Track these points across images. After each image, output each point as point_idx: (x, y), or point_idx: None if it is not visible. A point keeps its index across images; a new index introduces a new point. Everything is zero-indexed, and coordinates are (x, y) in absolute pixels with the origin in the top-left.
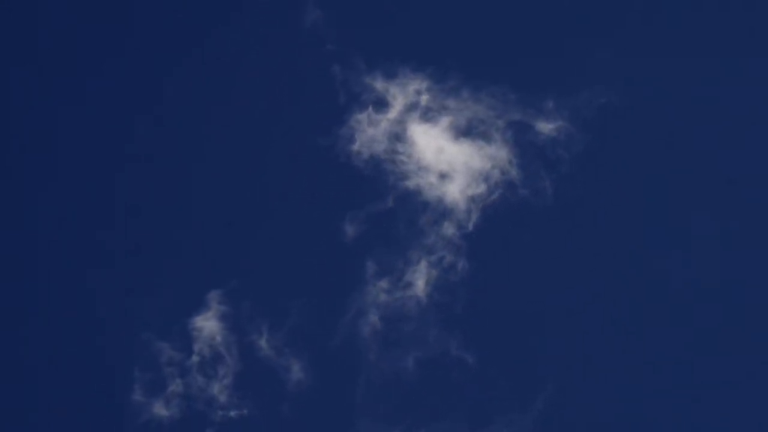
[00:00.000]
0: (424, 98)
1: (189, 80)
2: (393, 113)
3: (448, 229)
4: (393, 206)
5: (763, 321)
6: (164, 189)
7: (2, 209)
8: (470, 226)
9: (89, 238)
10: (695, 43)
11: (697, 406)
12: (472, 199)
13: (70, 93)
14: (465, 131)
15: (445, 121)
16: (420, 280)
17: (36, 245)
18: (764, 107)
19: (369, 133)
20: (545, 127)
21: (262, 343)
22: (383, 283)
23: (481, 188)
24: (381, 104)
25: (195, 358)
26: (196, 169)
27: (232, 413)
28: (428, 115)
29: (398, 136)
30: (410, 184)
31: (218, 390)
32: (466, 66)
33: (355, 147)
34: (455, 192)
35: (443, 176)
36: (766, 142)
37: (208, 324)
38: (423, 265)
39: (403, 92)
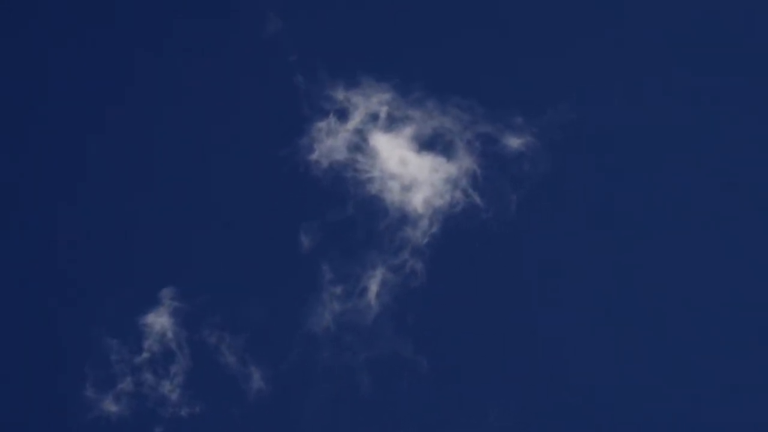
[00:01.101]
0: (387, 109)
1: (150, 87)
2: (354, 123)
3: (408, 238)
4: (352, 215)
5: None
6: (123, 187)
7: None
8: (430, 237)
9: (42, 233)
10: (662, 60)
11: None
12: (434, 210)
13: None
14: (429, 142)
15: (408, 131)
16: (375, 286)
17: None
18: (725, 122)
19: (329, 143)
20: (513, 141)
21: (214, 342)
22: (338, 290)
23: (445, 199)
24: (342, 114)
25: (145, 355)
26: (157, 170)
27: (183, 412)
28: (391, 126)
29: (359, 146)
30: (370, 193)
31: (169, 388)
32: (432, 78)
33: (314, 156)
34: (417, 202)
35: (405, 186)
36: (732, 155)
37: (159, 320)
38: (379, 272)
39: (365, 102)
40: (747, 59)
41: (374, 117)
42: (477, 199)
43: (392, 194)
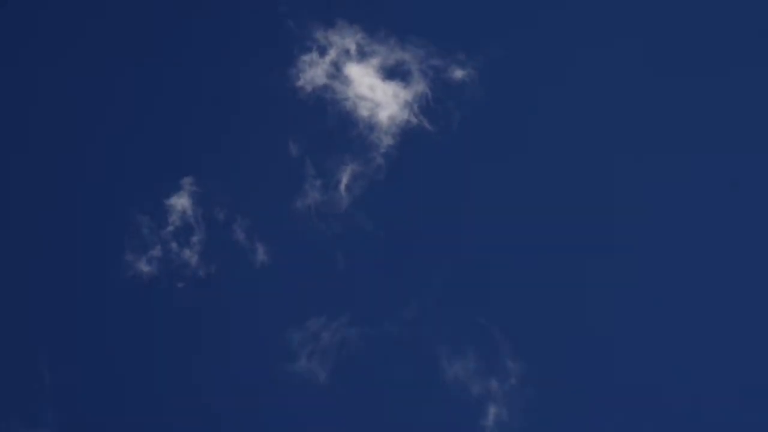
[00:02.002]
0: (357, 45)
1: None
2: (331, 57)
3: (374, 144)
4: (330, 126)
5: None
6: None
7: None
8: (391, 143)
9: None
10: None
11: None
12: (395, 124)
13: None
14: (391, 72)
15: (375, 63)
16: (346, 179)
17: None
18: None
19: (311, 72)
20: (458, 72)
21: (225, 219)
22: (318, 183)
23: (403, 115)
24: (323, 50)
25: (170, 228)
26: (177, 90)
27: (201, 272)
28: (361, 59)
29: (335, 75)
30: (345, 110)
31: (189, 254)
32: (394, 20)
33: (300, 83)
34: (382, 118)
35: (373, 106)
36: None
37: (180, 201)
38: (350, 168)
39: (341, 40)
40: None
41: (347, 52)
42: (428, 116)
43: (362, 111)
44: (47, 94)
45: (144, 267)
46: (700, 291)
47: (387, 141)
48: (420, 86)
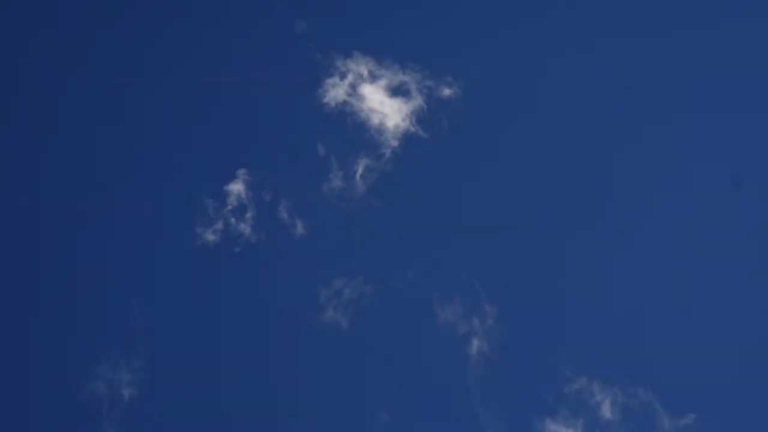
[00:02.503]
0: (369, 70)
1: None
2: (349, 80)
3: (383, 143)
4: (349, 131)
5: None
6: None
7: None
8: (399, 141)
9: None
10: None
11: None
12: (399, 129)
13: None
14: (396, 91)
15: (383, 84)
16: (361, 169)
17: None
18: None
19: (334, 92)
20: (446, 91)
21: (271, 200)
22: (340, 173)
23: (405, 123)
24: (342, 74)
25: (229, 207)
26: (225, 101)
27: (252, 239)
28: (372, 81)
29: (352, 93)
30: (360, 119)
31: (243, 227)
32: (397, 51)
33: (326, 100)
34: (389, 125)
35: (381, 117)
36: None
37: (237, 187)
38: (364, 161)
39: (356, 67)
40: None
41: (361, 76)
42: (423, 124)
43: (373, 121)
44: (139, 95)
45: (210, 237)
46: (668, 255)
47: (392, 143)
48: (417, 101)
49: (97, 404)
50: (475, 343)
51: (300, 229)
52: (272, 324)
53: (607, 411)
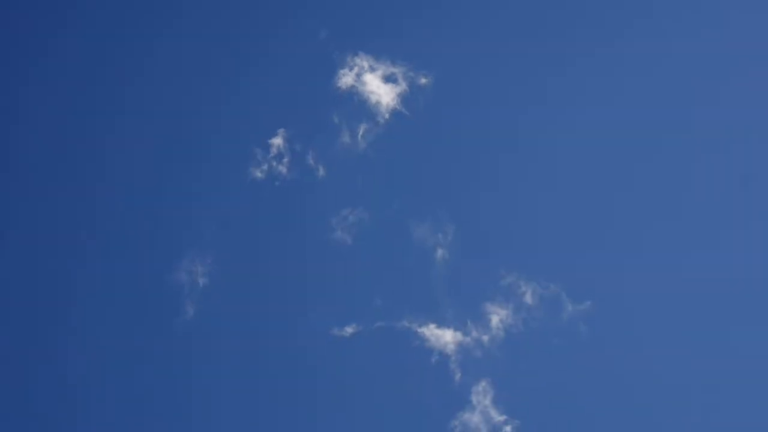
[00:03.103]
0: (370, 64)
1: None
2: (356, 70)
3: (381, 112)
4: (355, 104)
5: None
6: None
7: None
8: (389, 113)
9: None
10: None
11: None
12: (394, 102)
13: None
14: (389, 78)
15: (379, 73)
16: (362, 131)
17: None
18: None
19: (345, 79)
20: (422, 79)
21: (301, 150)
22: (347, 133)
23: (395, 100)
24: (351, 67)
25: (272, 153)
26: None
27: (289, 177)
28: (372, 71)
29: (359, 80)
30: (363, 97)
31: (281, 168)
32: (390, 51)
33: (339, 85)
34: (386, 101)
35: (379, 95)
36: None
37: (277, 141)
38: (364, 126)
39: (361, 63)
40: None
41: (364, 68)
42: (406, 103)
43: (373, 97)
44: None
45: (258, 174)
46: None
47: (384, 115)
48: (402, 87)
49: (180, 289)
50: (439, 252)
51: (321, 171)
52: (299, 238)
53: (528, 298)
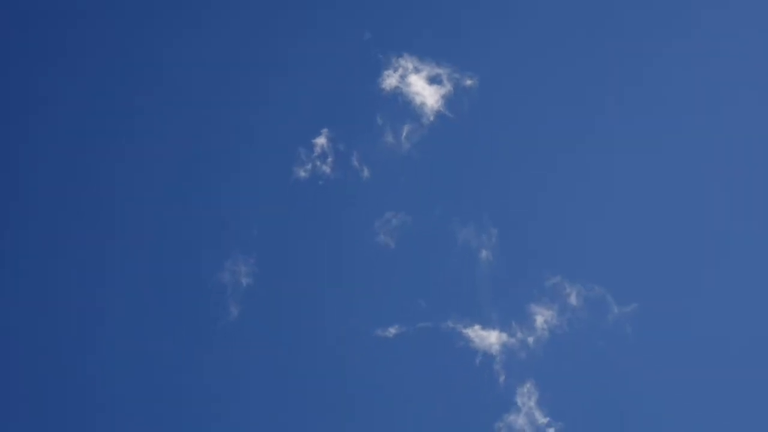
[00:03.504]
0: (414, 66)
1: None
2: (400, 71)
3: (425, 112)
4: (399, 104)
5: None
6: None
7: None
8: (433, 115)
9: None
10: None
11: None
12: (437, 102)
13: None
14: (433, 79)
15: (424, 74)
16: (406, 131)
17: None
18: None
19: (389, 80)
20: (468, 81)
21: (345, 150)
22: (390, 132)
23: (442, 101)
24: (396, 68)
25: (317, 153)
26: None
27: (332, 176)
28: (417, 72)
29: (402, 80)
30: (407, 98)
31: (325, 167)
32: (434, 53)
33: (383, 86)
34: (431, 101)
35: (423, 96)
36: None
37: (320, 141)
38: (408, 126)
39: (405, 64)
40: None
41: (409, 69)
42: (450, 105)
43: (416, 100)
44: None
45: (302, 174)
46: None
47: (429, 116)
48: (447, 88)
49: (223, 288)
50: (484, 253)
51: (365, 172)
52: (343, 238)
53: (573, 300)
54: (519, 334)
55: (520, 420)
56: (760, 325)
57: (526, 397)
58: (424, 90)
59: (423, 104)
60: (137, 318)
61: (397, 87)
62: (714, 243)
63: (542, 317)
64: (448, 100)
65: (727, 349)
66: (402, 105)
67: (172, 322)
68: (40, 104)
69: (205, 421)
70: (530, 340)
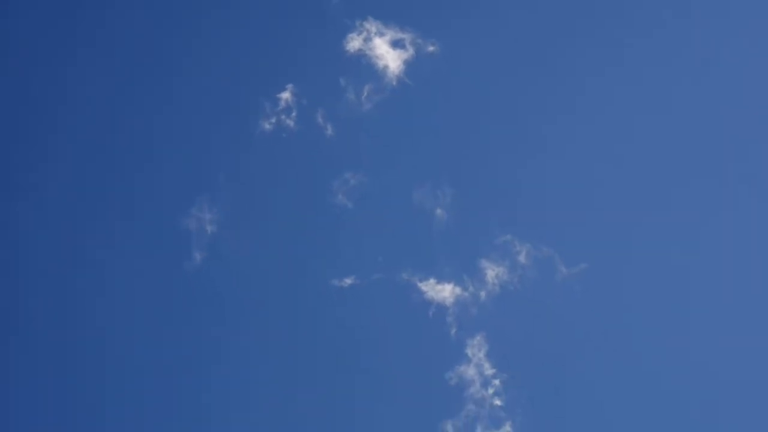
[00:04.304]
0: (377, 29)
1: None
2: (364, 35)
3: (387, 70)
4: (364, 65)
5: None
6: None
7: None
8: (396, 75)
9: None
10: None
11: None
12: (399, 63)
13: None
14: (396, 43)
15: (387, 38)
16: (367, 91)
17: None
18: None
19: (353, 42)
20: (431, 47)
21: (307, 104)
22: (353, 94)
23: (401, 64)
24: (360, 31)
25: (282, 107)
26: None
27: (294, 129)
28: (381, 36)
29: (367, 43)
30: (372, 59)
31: (289, 121)
32: (398, 17)
33: (347, 48)
34: (393, 63)
35: (386, 59)
36: None
37: (285, 96)
38: (367, 87)
39: (369, 27)
40: None
41: (373, 32)
42: (412, 68)
43: (381, 60)
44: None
45: (267, 126)
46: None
47: (391, 78)
48: (409, 53)
49: (188, 234)
50: (438, 211)
51: (330, 130)
52: (305, 192)
53: (522, 258)
54: (471, 288)
55: (470, 371)
56: (702, 284)
57: (476, 348)
58: (388, 53)
59: (386, 67)
60: (109, 264)
61: (361, 49)
62: (663, 211)
63: (493, 272)
64: (409, 65)
65: (669, 312)
66: (366, 67)
67: (138, 266)
68: None
69: (164, 363)
70: (482, 294)
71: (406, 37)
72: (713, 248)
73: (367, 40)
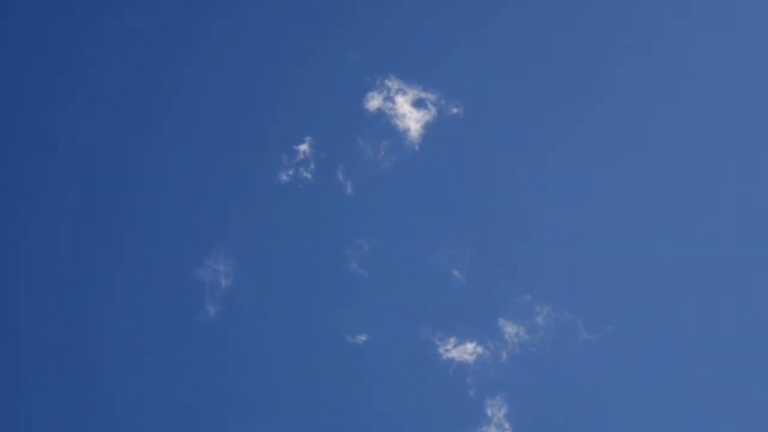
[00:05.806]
0: (399, 87)
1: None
2: (385, 93)
3: (406, 135)
4: (384, 125)
5: None
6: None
7: None
8: (415, 139)
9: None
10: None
11: None
12: (422, 125)
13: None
14: (418, 103)
15: (409, 98)
16: (383, 150)
17: None
18: None
19: (374, 101)
20: (452, 110)
21: (325, 158)
22: (370, 151)
23: (426, 123)
24: (381, 90)
25: (300, 158)
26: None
27: (313, 183)
28: (403, 95)
29: (388, 101)
30: (393, 119)
31: (305, 173)
32: (420, 79)
33: (368, 106)
34: (417, 125)
35: (408, 118)
36: None
37: (303, 148)
38: (385, 143)
39: (391, 85)
40: None
41: (394, 91)
42: (433, 128)
43: (399, 123)
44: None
45: (284, 177)
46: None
47: (412, 138)
48: (431, 114)
49: (202, 287)
50: (455, 273)
51: (349, 189)
52: (321, 245)
53: (542, 320)
54: (492, 347)
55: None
56: (728, 353)
57: (496, 409)
58: (410, 113)
59: (407, 126)
60: (122, 313)
61: (380, 108)
62: (685, 266)
63: (513, 331)
64: (430, 126)
65: (691, 375)
66: (386, 126)
67: (150, 318)
68: None
69: (172, 416)
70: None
71: (427, 96)
72: (737, 310)
73: (388, 97)
